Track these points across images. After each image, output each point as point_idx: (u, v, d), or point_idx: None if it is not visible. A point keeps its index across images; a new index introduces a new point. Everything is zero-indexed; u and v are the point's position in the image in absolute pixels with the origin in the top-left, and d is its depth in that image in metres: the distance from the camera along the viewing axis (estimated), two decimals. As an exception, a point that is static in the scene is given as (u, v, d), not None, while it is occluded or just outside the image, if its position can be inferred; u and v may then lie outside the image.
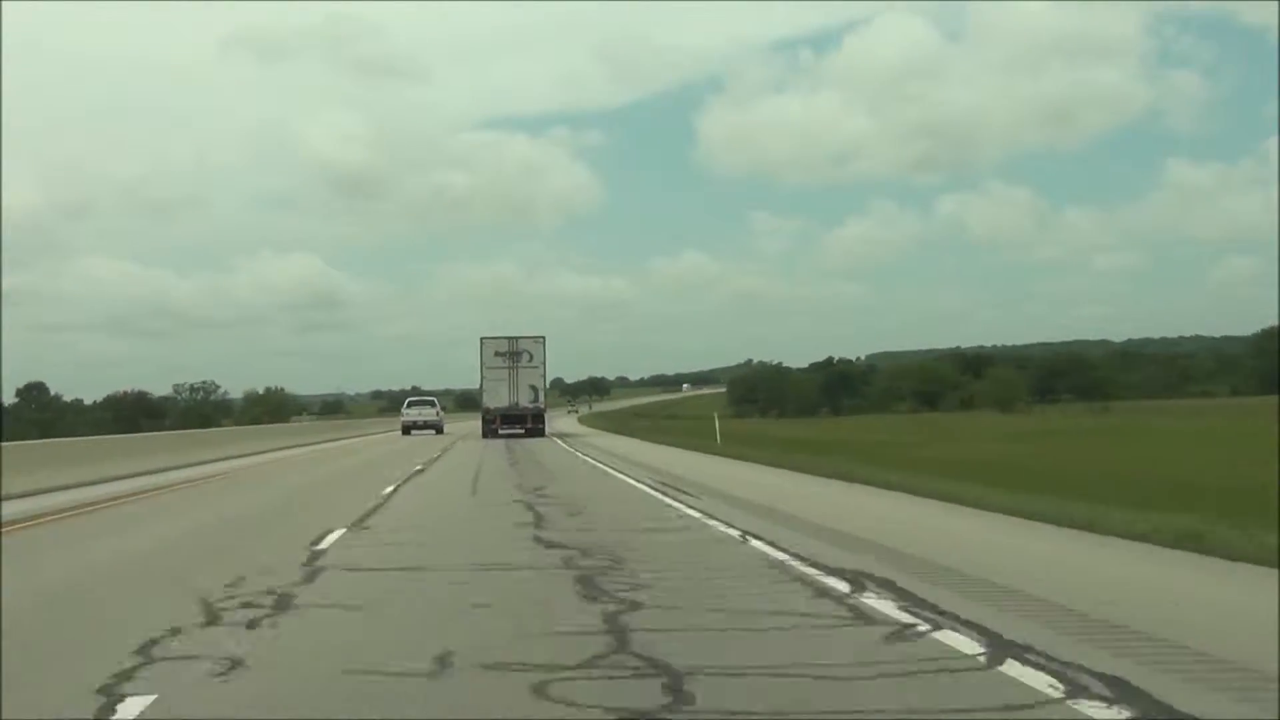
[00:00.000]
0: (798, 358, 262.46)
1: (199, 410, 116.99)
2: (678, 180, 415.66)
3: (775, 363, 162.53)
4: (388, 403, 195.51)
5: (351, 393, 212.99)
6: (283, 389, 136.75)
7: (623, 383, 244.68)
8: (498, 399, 48.08)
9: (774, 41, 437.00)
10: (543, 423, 48.75)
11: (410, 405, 62.41)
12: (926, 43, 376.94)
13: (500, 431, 47.11)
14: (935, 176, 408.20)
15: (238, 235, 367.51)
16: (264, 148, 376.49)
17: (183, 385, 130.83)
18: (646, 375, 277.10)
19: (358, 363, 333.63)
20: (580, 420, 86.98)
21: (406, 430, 56.18)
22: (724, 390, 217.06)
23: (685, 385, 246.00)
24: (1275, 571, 8.21)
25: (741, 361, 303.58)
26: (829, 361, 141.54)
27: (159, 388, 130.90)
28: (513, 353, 48.38)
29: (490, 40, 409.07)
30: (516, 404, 47.90)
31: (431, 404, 61.96)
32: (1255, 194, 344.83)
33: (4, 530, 13.30)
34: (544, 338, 49.63)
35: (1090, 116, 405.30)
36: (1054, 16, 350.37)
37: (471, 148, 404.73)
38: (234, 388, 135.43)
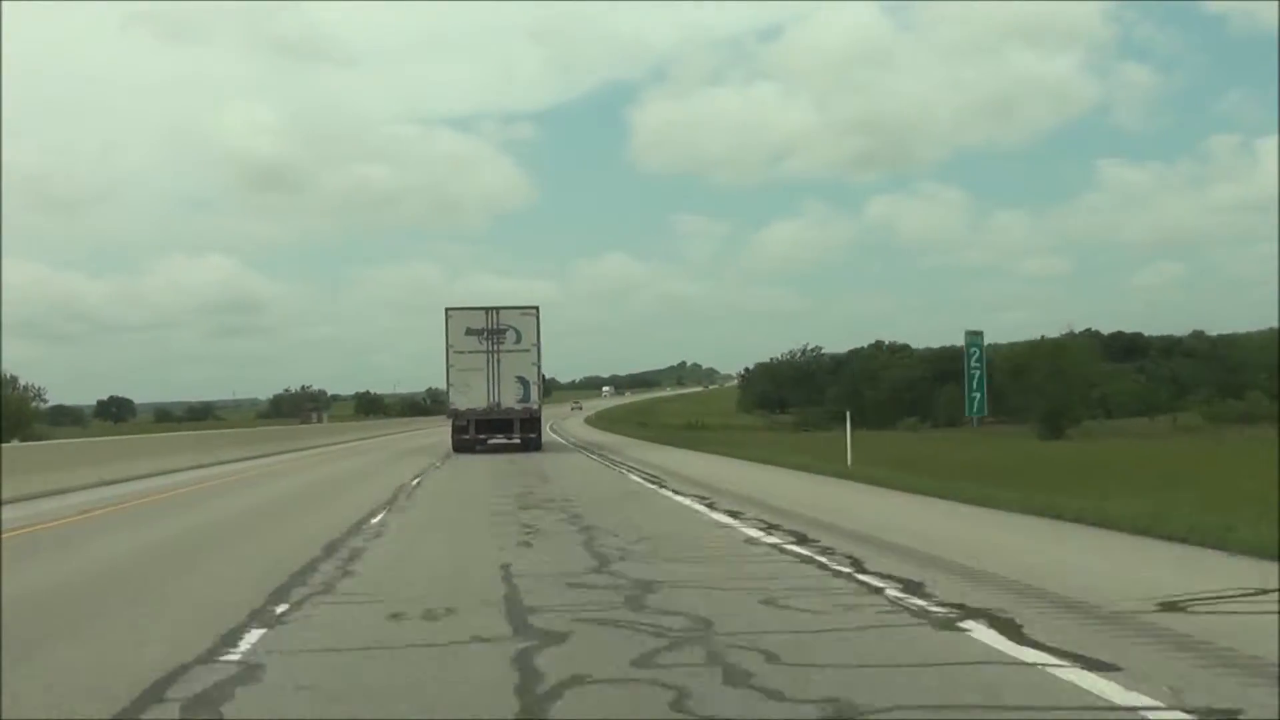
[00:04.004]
0: (728, 362, 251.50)
1: None
2: (607, 181, 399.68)
3: (811, 347, 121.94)
4: (269, 407, 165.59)
5: (264, 397, 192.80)
6: (15, 377, 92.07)
7: (553, 385, 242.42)
8: (472, 397, 34.58)
9: (716, 36, 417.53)
10: (537, 430, 35.67)
11: None
12: (871, 33, 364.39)
13: (482, 441, 34.93)
14: (873, 174, 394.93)
15: (149, 234, 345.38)
16: (174, 139, 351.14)
17: None
18: (578, 378, 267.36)
19: (276, 367, 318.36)
20: (588, 421, 76.92)
21: None
22: (671, 393, 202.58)
23: (606, 389, 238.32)
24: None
25: (675, 364, 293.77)
26: (879, 346, 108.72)
27: (67, 396, 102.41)
28: (493, 330, 34.85)
29: (418, 30, 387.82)
30: (499, 404, 34.63)
31: None
32: (1189, 196, 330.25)
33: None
34: (537, 309, 35.74)
35: (1033, 111, 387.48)
36: (1014, 4, 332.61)
37: (396, 141, 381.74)
38: (142, 395, 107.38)
